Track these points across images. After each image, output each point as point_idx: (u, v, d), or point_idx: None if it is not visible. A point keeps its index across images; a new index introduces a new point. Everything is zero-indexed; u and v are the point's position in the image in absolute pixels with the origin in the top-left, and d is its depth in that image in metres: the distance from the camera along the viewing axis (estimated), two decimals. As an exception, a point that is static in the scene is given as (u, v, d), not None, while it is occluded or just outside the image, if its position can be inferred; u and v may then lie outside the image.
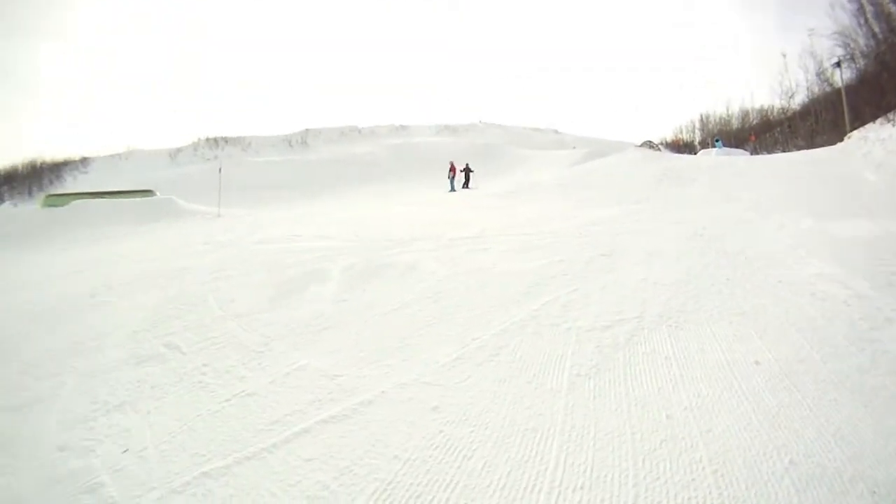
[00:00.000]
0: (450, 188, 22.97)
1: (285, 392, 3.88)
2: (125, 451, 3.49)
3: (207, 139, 44.88)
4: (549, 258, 6.20)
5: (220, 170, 22.34)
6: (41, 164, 42.31)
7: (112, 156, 44.10)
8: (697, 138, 40.91)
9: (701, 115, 41.64)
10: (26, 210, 25.68)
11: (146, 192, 23.01)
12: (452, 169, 23.61)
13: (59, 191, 31.18)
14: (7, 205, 31.73)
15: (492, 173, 27.94)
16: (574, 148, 39.86)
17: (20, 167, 42.16)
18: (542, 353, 3.82)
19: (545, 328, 4.23)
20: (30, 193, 37.34)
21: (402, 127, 49.60)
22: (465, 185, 23.95)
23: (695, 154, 27.35)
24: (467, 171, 24.38)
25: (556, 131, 51.56)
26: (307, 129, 45.69)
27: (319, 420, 3.43)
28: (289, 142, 44.20)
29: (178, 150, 43.72)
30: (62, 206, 20.67)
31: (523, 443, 2.87)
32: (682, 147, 37.61)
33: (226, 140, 44.68)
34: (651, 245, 6.51)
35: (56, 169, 41.72)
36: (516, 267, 5.98)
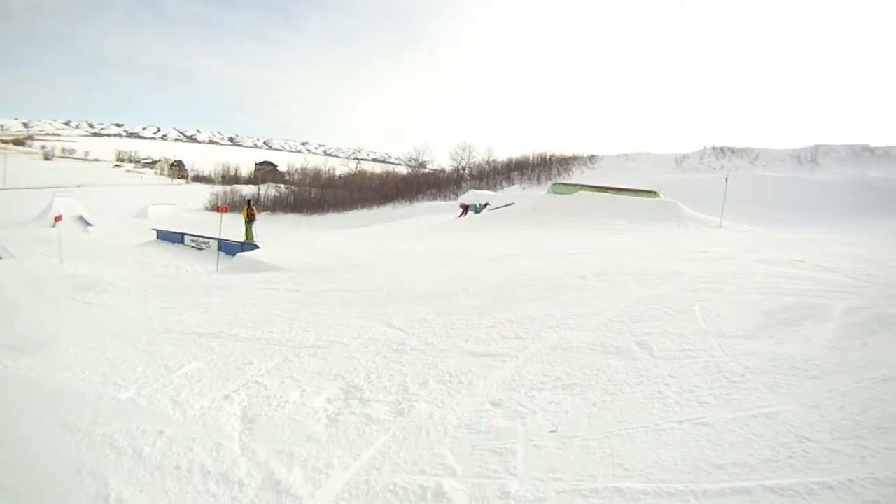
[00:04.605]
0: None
1: (744, 436, 3.87)
2: (552, 432, 4.06)
3: (714, 148, 53.08)
4: None
5: (726, 179, 23.62)
6: (551, 156, 57.82)
7: (619, 155, 56.00)
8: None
9: None
10: (534, 193, 33.46)
11: (651, 193, 26.21)
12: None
13: (567, 181, 39.07)
14: (516, 187, 41.93)
15: None
16: None
17: (531, 157, 58.48)
18: None
19: None
20: (538, 180, 50.13)
21: (927, 149, 44.65)
22: None
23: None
24: None
25: None
26: (817, 146, 49.69)
27: (765, 485, 3.25)
28: (797, 157, 48.70)
29: (685, 157, 52.97)
30: (567, 194, 26.18)
31: None
32: None
33: (732, 150, 51.87)
34: None
35: (564, 162, 56.18)
36: None
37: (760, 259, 10.93)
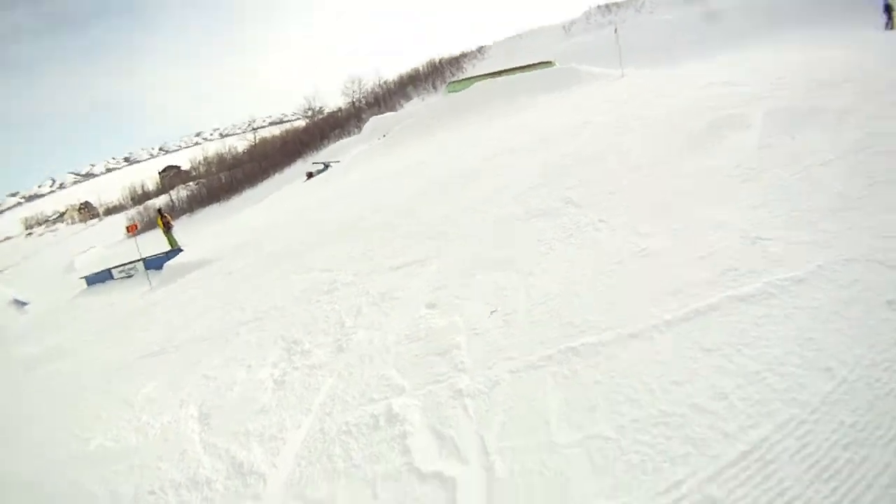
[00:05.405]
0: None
1: (694, 255, 3.75)
2: (492, 313, 3.97)
3: (598, 6, 52.38)
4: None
5: (615, 30, 23.74)
6: (440, 60, 56.31)
7: (507, 39, 55.24)
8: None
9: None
10: (431, 101, 32.98)
11: (545, 64, 26.32)
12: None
13: (460, 78, 38.45)
14: (415, 100, 41.04)
15: None
16: None
17: (421, 67, 57.14)
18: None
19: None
20: (434, 87, 49.35)
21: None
22: None
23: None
24: None
25: None
26: (705, -25, 48.68)
27: (732, 296, 3.13)
28: (684, -6, 47.35)
29: (572, 23, 52.15)
30: (465, 89, 25.60)
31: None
32: None
33: (617, 4, 51.14)
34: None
35: (455, 62, 54.93)
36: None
37: (666, 94, 10.86)
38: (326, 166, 29.52)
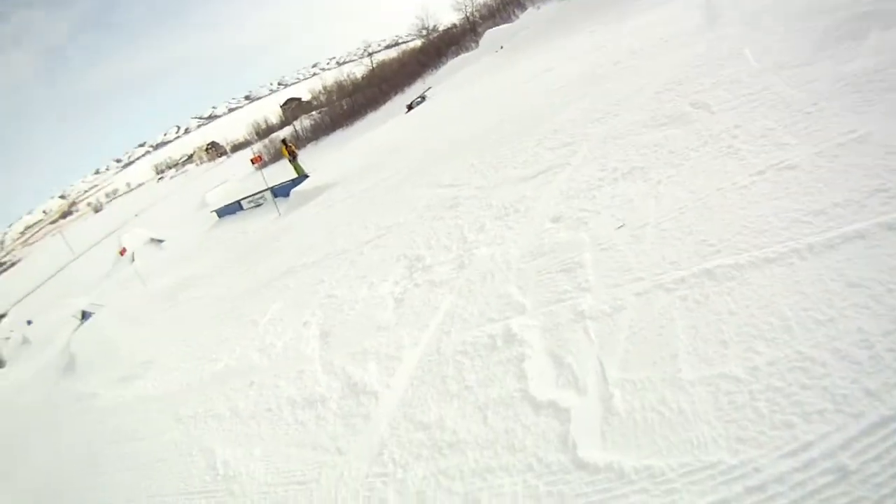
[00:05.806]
0: None
1: (839, 170, 3.19)
2: (620, 227, 3.66)
3: None
4: None
5: None
6: None
7: None
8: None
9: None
10: (547, 7, 31.77)
11: None
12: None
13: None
14: (531, 9, 39.37)
15: None
16: None
17: None
18: None
19: None
20: None
21: None
22: None
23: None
24: None
25: None
26: None
27: (882, 223, 2.60)
28: None
29: None
30: None
31: None
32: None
33: None
34: None
35: None
36: None
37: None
38: (423, 98, 29.97)
